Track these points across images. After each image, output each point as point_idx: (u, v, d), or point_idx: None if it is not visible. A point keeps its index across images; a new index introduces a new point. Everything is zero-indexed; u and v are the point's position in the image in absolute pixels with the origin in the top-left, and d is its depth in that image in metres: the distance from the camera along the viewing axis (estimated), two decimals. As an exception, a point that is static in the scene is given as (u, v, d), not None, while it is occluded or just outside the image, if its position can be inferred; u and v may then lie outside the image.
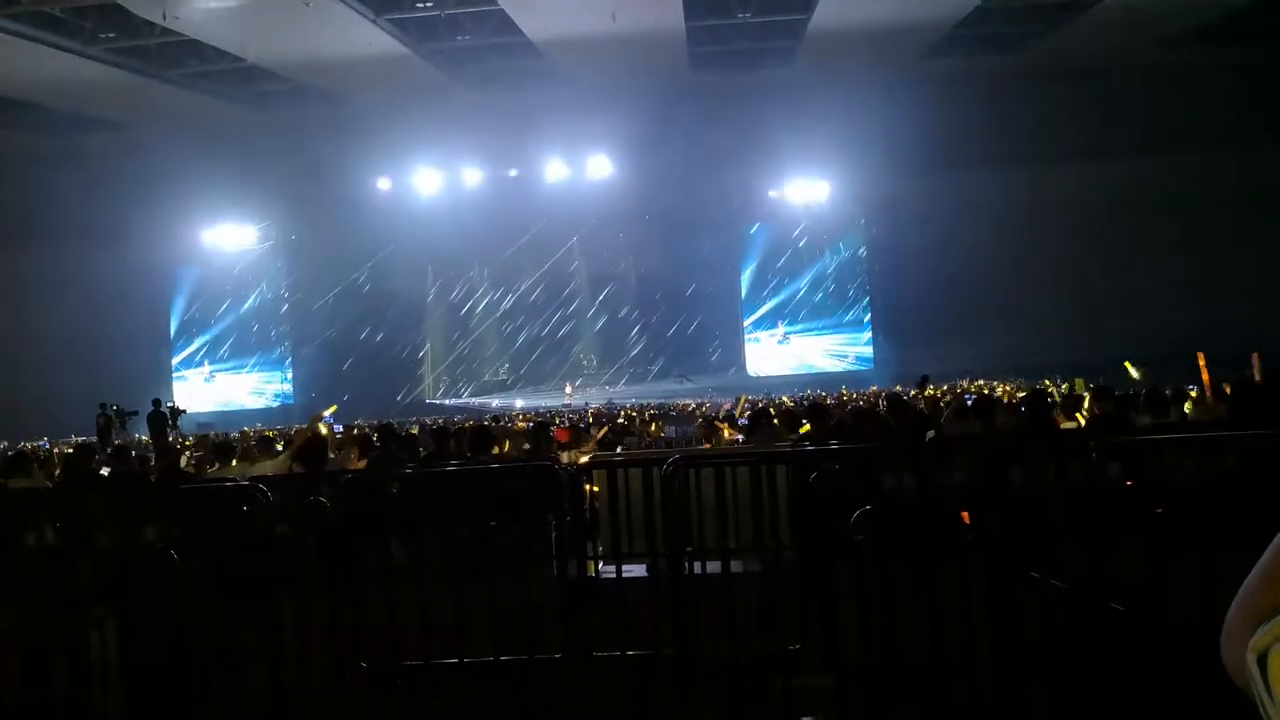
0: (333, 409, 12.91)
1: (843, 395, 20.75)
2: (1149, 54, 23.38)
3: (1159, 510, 4.39)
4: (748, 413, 12.60)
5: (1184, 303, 22.53)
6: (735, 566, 5.02)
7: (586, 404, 24.82)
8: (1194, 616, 4.18)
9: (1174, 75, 23.59)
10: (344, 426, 15.15)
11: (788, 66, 23.91)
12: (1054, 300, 24.65)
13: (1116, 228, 24.34)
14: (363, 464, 8.45)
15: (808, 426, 8.71)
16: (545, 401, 27.09)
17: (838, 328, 29.00)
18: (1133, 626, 4.21)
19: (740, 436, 10.29)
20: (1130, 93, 23.76)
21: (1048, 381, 18.23)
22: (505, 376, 29.80)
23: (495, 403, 27.68)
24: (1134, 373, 10.82)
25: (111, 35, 20.39)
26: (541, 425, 10.51)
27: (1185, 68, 23.53)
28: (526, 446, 9.12)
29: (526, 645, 4.79)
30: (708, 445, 10.77)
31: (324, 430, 11.06)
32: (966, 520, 4.76)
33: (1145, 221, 24.13)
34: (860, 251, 28.83)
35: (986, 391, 17.58)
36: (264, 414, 27.98)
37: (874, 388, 23.18)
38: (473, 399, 29.05)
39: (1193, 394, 10.24)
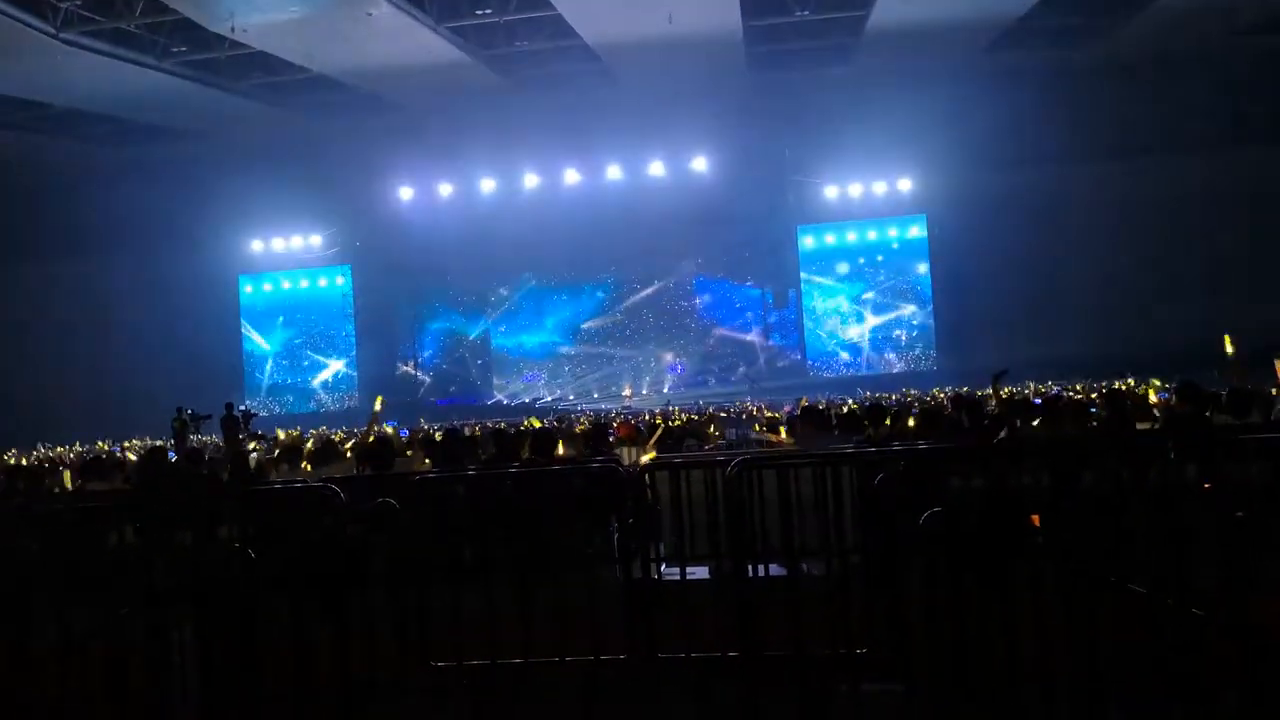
0: (380, 401, 13.16)
1: (907, 395, 20.45)
2: (1223, 44, 22.68)
3: (1239, 513, 4.25)
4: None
5: (1268, 299, 21.77)
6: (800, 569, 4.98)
7: (645, 407, 24.85)
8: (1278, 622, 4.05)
9: (1249, 65, 22.87)
10: (409, 430, 15.40)
11: (847, 64, 23.68)
12: (1125, 298, 24.02)
13: (1192, 222, 23.64)
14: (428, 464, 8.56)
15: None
16: (604, 404, 27.19)
17: (900, 327, 28.61)
18: (1214, 632, 4.08)
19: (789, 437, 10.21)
20: (1204, 84, 23.10)
21: (1131, 381, 17.75)
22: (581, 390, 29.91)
23: (555, 405, 27.86)
24: (1229, 347, 10.46)
25: (183, 49, 21.02)
26: (600, 427, 10.54)
27: (1262, 57, 22.79)
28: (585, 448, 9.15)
29: (591, 646, 4.81)
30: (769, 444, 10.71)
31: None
32: (1036, 523, 4.66)
33: (1224, 215, 23.41)
34: (923, 250, 28.37)
35: (1057, 391, 17.19)
36: (330, 416, 28.55)
37: (945, 389, 22.75)
38: (533, 400, 29.26)
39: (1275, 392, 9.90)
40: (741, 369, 29.03)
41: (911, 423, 8.77)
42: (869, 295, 28.72)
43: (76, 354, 27.16)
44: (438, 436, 11.26)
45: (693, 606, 4.98)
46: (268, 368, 31.36)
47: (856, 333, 28.80)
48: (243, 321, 31.07)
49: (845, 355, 28.88)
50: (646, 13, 19.53)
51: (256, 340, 31.14)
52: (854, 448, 7.29)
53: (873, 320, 28.71)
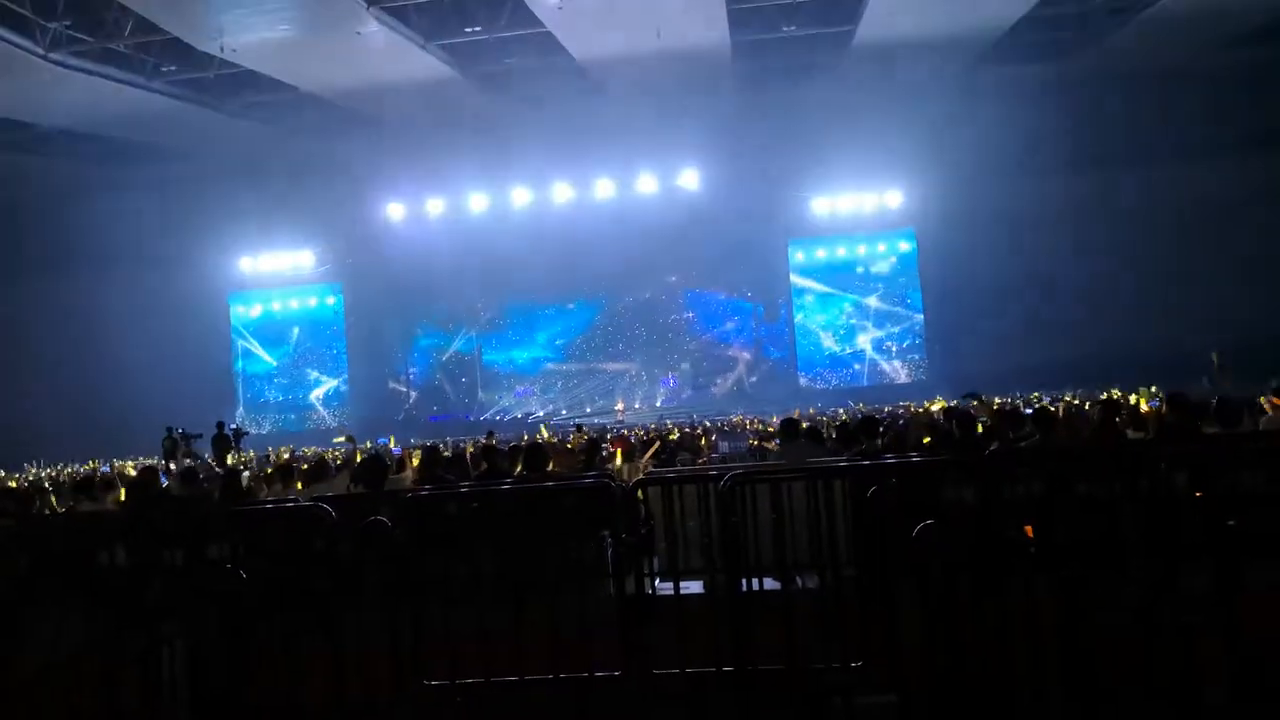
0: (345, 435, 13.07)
1: (902, 408, 20.44)
2: (1207, 56, 22.88)
3: (1230, 522, 4.27)
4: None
5: (1256, 307, 21.87)
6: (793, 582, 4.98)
7: (638, 421, 24.82)
8: (1269, 629, 4.06)
9: (1233, 76, 23.07)
10: (402, 449, 15.35)
11: (834, 79, 23.81)
12: (1113, 307, 24.14)
13: (1181, 231, 23.79)
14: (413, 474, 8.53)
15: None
16: (597, 419, 27.16)
17: (890, 339, 28.70)
18: (1207, 641, 4.09)
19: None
20: (1190, 95, 23.27)
21: (1118, 391, 17.82)
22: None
23: (550, 421, 27.81)
24: (1215, 359, 10.54)
25: (172, 69, 21.02)
26: (594, 442, 10.53)
27: (1245, 68, 23.00)
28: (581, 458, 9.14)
29: (585, 662, 4.80)
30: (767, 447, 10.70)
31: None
32: (1030, 534, 4.67)
33: (1211, 224, 23.57)
34: (913, 262, 28.50)
35: (1045, 403, 17.22)
36: (323, 434, 28.43)
37: (937, 400, 22.75)
38: (525, 415, 29.22)
39: (1262, 400, 9.94)
40: (736, 381, 29.12)
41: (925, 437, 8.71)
42: (859, 308, 28.82)
43: (66, 373, 27.04)
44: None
45: (687, 621, 4.97)
46: (261, 386, 31.29)
47: (847, 345, 28.88)
48: (249, 339, 31.06)
49: (836, 367, 28.93)
50: (635, 29, 19.63)
51: (263, 357, 31.09)
52: (846, 461, 7.29)
53: (863, 332, 28.80)
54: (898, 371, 28.58)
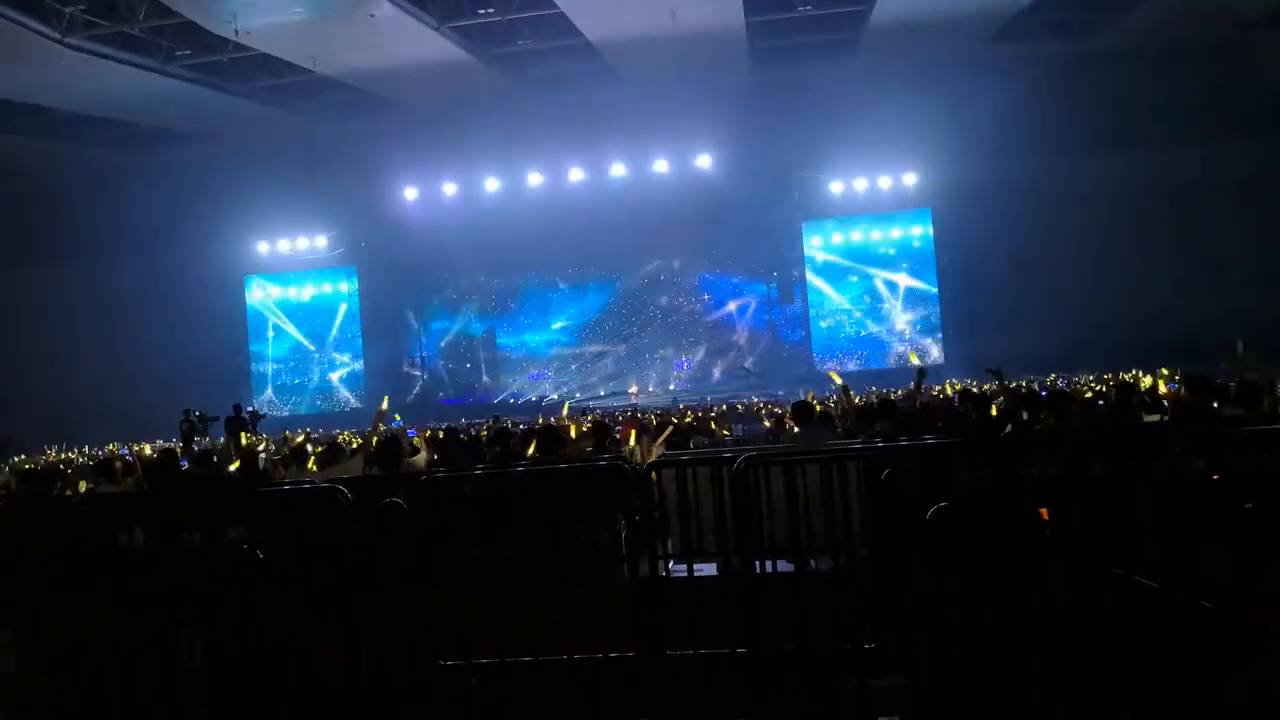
0: (386, 400, 12.96)
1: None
2: (1225, 36, 22.60)
3: (1247, 505, 4.24)
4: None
5: (1272, 289, 21.67)
6: (807, 565, 4.98)
7: (652, 404, 24.83)
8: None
9: (1251, 57, 22.80)
10: (417, 431, 15.40)
11: (850, 58, 23.64)
12: (1131, 289, 23.96)
13: (1199, 212, 23.56)
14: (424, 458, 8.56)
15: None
16: (611, 401, 27.20)
17: (906, 320, 28.55)
18: (1223, 624, 4.07)
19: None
20: (1207, 76, 22.99)
21: (1138, 372, 17.73)
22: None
23: (565, 404, 27.85)
24: (1240, 348, 10.46)
25: (187, 52, 21.07)
26: (603, 424, 10.52)
27: (1263, 49, 22.72)
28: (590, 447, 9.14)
29: (599, 643, 4.82)
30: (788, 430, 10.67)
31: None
32: (1045, 516, 4.65)
33: (1232, 205, 23.33)
34: (929, 243, 28.30)
35: (1061, 384, 17.16)
36: (338, 417, 28.62)
37: (950, 382, 22.67)
38: (539, 398, 29.28)
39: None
40: (748, 362, 29.09)
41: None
42: (874, 289, 28.67)
43: (85, 357, 27.28)
44: (441, 435, 11.26)
45: (700, 603, 4.99)
46: (279, 369, 31.45)
47: (863, 327, 28.75)
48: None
49: (852, 349, 28.83)
50: (648, 10, 19.52)
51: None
52: (861, 443, 7.27)
53: (879, 314, 28.65)
54: (913, 352, 28.38)
